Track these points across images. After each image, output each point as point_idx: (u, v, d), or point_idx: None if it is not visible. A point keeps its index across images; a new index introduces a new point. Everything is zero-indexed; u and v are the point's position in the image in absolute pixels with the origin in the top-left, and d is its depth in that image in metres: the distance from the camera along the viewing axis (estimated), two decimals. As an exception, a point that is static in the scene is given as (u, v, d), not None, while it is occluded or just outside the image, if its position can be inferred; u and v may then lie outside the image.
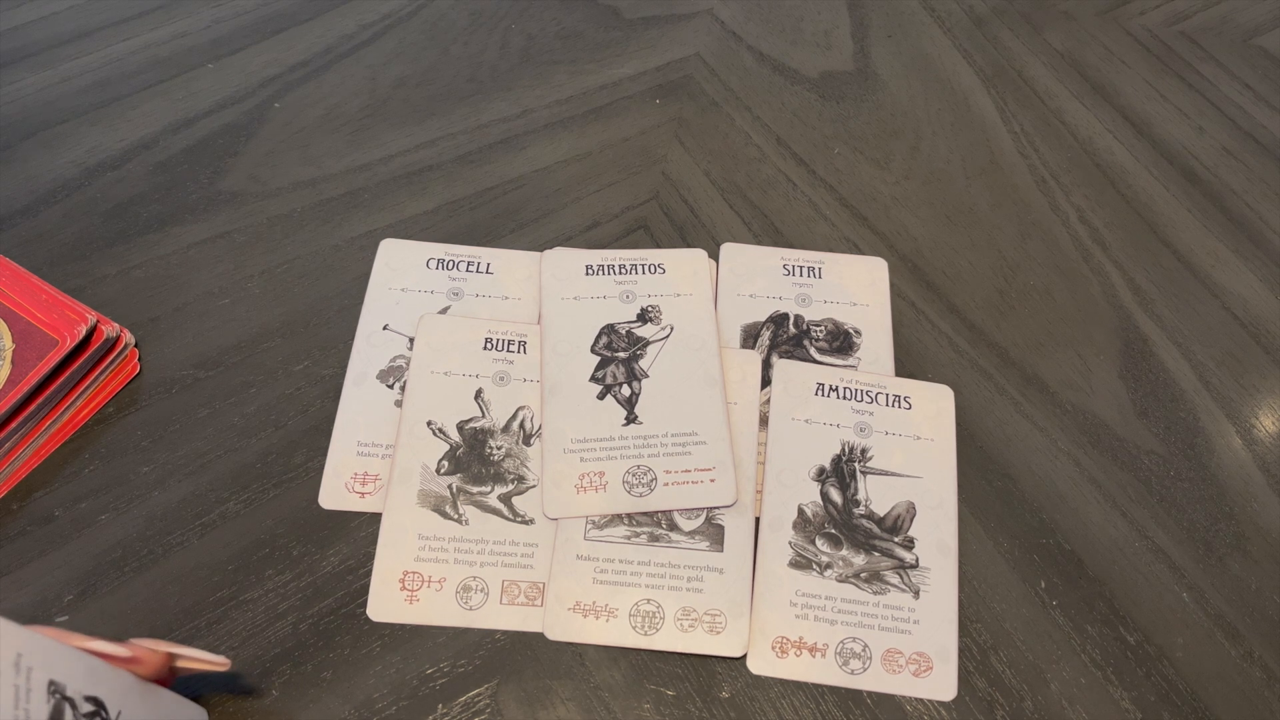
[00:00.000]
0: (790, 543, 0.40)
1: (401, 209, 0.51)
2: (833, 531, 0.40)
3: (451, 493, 0.41)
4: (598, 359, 0.44)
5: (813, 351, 0.46)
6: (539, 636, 0.38)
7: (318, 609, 0.38)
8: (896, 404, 0.44)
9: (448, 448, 0.42)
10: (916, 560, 0.40)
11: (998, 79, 0.59)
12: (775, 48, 0.61)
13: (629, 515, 0.40)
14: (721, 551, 0.40)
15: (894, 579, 0.39)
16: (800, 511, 0.41)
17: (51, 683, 0.26)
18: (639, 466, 0.41)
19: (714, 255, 0.49)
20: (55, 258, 0.48)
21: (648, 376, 0.44)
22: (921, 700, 0.37)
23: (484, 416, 0.42)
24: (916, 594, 0.39)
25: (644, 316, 0.46)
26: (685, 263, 0.48)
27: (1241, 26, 0.64)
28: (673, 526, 0.40)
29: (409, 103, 0.56)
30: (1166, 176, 0.55)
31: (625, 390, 0.43)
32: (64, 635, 0.28)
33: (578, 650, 0.38)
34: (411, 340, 0.45)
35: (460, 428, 0.42)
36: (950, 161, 0.55)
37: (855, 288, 0.48)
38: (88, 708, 0.27)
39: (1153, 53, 0.62)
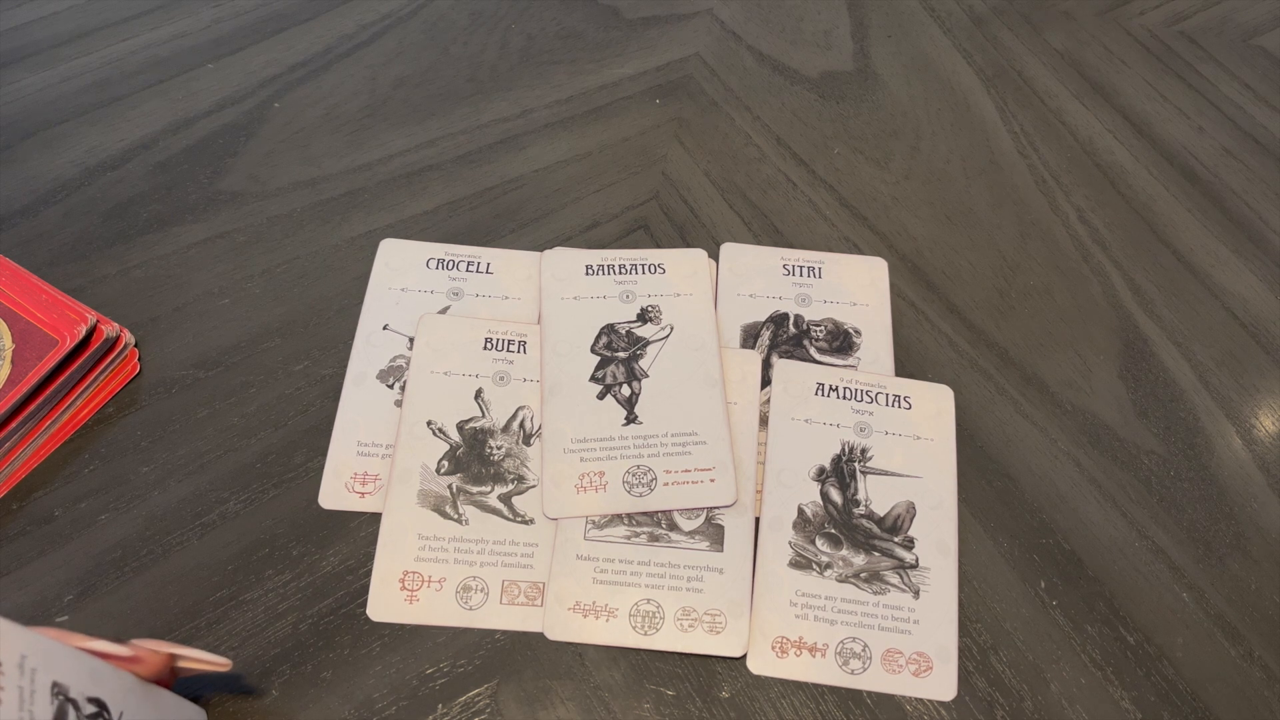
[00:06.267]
0: (790, 543, 0.40)
1: (401, 209, 0.51)
2: (833, 531, 0.40)
3: (451, 493, 0.41)
4: (598, 359, 0.44)
5: (813, 351, 0.46)
6: (539, 636, 0.38)
7: (317, 609, 0.38)
8: (896, 404, 0.44)
9: (448, 448, 0.42)
10: (916, 560, 0.40)
11: (998, 79, 0.59)
12: (775, 48, 0.61)
13: (629, 515, 0.40)
14: (721, 551, 0.40)
15: (894, 579, 0.39)
16: (800, 511, 0.41)
17: (55, 684, 0.26)
18: (639, 466, 0.41)
19: (714, 255, 0.49)
20: (55, 258, 0.48)
21: (648, 376, 0.44)
22: (921, 700, 0.37)
23: (484, 416, 0.42)
24: (916, 594, 0.39)
25: (644, 316, 0.46)
26: (685, 263, 0.48)
27: (1241, 26, 0.64)
28: (673, 526, 0.40)
29: (409, 103, 0.56)
30: (1166, 177, 0.55)
31: (625, 390, 0.43)
32: (65, 636, 0.28)
33: (578, 650, 0.38)
34: (411, 340, 0.45)
35: (460, 428, 0.42)
36: (950, 161, 0.55)
37: (855, 288, 0.48)
38: (90, 709, 0.27)
39: (1153, 53, 0.62)
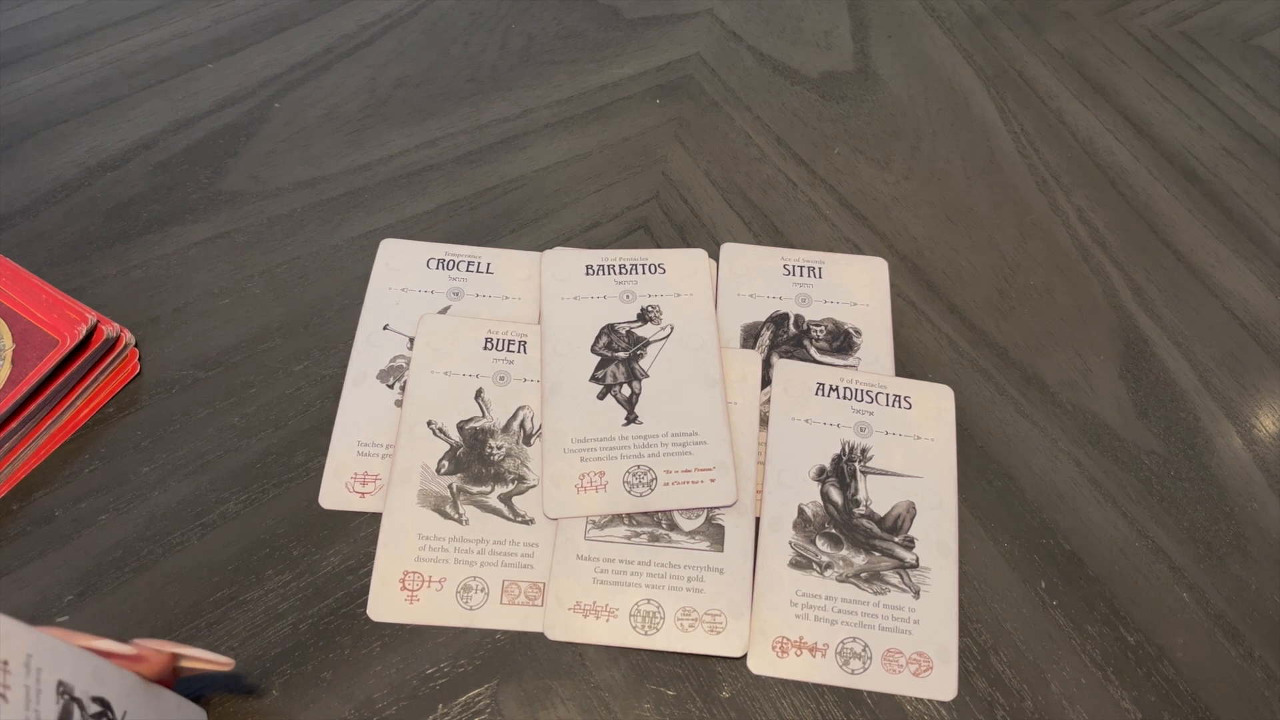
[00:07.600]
0: (790, 543, 0.40)
1: (402, 209, 0.51)
2: (833, 531, 0.40)
3: (452, 492, 0.41)
4: (598, 359, 0.44)
5: (813, 351, 0.46)
6: (539, 636, 0.38)
7: (318, 609, 0.38)
8: (897, 404, 0.44)
9: (448, 447, 0.42)
10: (917, 560, 0.40)
11: (998, 79, 0.59)
12: (775, 48, 0.61)
13: (629, 515, 0.40)
14: (722, 551, 0.40)
15: (894, 579, 0.39)
16: (800, 511, 0.41)
17: (60, 683, 0.26)
18: (639, 466, 0.41)
19: (714, 255, 0.49)
20: (55, 258, 0.48)
21: (648, 376, 0.44)
22: (922, 700, 0.37)
23: (484, 416, 0.42)
24: (917, 594, 0.39)
25: (644, 316, 0.46)
26: (685, 263, 0.48)
27: (1242, 26, 0.64)
28: (673, 526, 0.40)
29: (409, 103, 0.56)
30: (1167, 177, 0.55)
31: (625, 390, 0.43)
32: (69, 635, 0.28)
33: (578, 650, 0.38)
34: (412, 340, 0.45)
35: (460, 427, 0.42)
36: (950, 162, 0.55)
37: (855, 288, 0.48)
38: (95, 708, 0.27)
39: (1153, 53, 0.62)
